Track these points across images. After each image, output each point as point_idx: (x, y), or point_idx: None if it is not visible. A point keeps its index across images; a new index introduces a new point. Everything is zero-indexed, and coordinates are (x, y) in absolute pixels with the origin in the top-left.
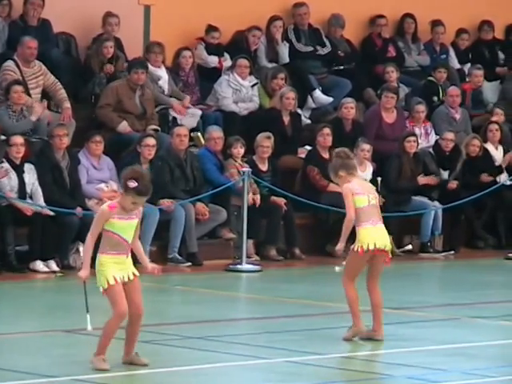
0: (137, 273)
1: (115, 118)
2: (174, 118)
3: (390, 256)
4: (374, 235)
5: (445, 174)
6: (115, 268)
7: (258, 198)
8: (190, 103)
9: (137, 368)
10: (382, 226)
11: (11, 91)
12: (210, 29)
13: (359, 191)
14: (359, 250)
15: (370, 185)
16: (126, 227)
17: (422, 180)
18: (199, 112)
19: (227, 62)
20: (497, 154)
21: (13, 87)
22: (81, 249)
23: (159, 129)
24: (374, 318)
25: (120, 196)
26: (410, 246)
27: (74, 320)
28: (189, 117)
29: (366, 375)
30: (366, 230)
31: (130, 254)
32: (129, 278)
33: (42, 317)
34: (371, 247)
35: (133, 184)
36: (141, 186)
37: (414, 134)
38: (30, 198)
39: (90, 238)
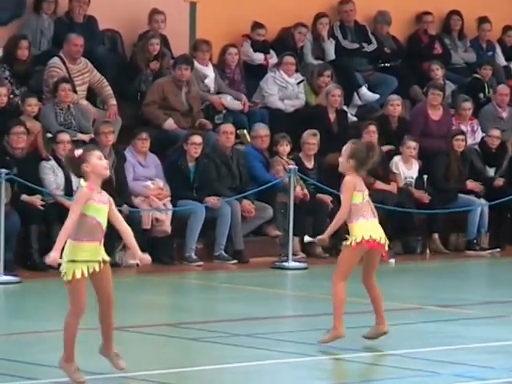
0: (107, 258)
1: (161, 116)
2: (224, 115)
3: (387, 250)
4: (369, 228)
5: (491, 172)
6: (86, 258)
7: (306, 192)
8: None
9: (185, 365)
10: (376, 220)
11: (59, 89)
12: (256, 26)
13: (358, 188)
14: (353, 243)
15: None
16: (103, 211)
17: (471, 185)
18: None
19: (273, 59)
20: None
21: (60, 85)
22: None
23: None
24: (377, 311)
25: (90, 178)
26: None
27: (122, 317)
28: (231, 103)
29: (412, 372)
30: (359, 224)
31: (102, 242)
32: (100, 267)
33: (88, 314)
34: (366, 238)
35: (79, 151)
36: (86, 146)
37: (462, 133)
38: None
39: (71, 223)
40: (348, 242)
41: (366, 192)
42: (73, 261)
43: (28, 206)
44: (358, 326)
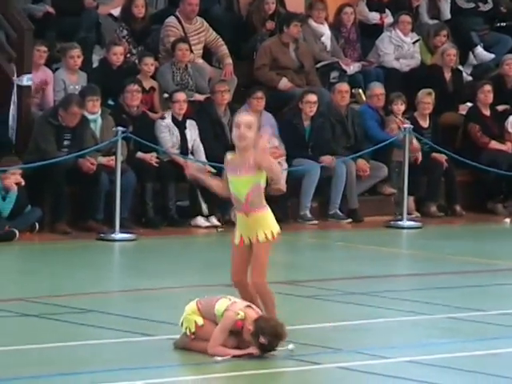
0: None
1: (275, 77)
2: (341, 73)
3: None
4: None
5: None
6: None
7: (419, 155)
8: (352, 60)
9: (300, 323)
10: None
11: (176, 49)
12: None
13: None
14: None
15: None
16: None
17: None
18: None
19: (389, 18)
20: None
21: (178, 45)
22: None
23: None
24: None
25: (245, 322)
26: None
27: None
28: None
29: None
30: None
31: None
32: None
33: (200, 272)
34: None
35: (263, 340)
36: (268, 345)
37: None
38: (192, 153)
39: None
40: (271, 235)
41: None
42: None
43: (143, 163)
44: (474, 285)
